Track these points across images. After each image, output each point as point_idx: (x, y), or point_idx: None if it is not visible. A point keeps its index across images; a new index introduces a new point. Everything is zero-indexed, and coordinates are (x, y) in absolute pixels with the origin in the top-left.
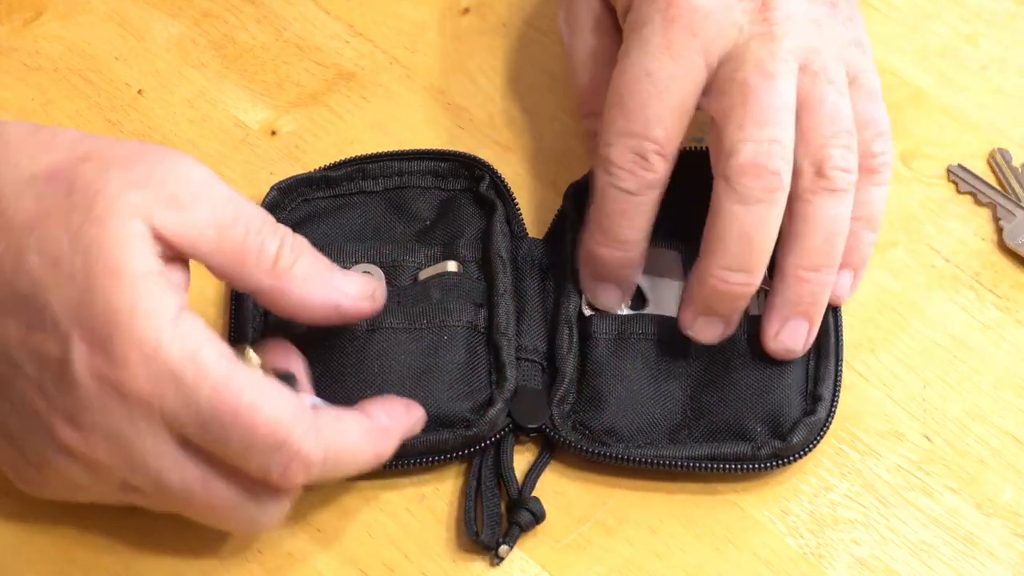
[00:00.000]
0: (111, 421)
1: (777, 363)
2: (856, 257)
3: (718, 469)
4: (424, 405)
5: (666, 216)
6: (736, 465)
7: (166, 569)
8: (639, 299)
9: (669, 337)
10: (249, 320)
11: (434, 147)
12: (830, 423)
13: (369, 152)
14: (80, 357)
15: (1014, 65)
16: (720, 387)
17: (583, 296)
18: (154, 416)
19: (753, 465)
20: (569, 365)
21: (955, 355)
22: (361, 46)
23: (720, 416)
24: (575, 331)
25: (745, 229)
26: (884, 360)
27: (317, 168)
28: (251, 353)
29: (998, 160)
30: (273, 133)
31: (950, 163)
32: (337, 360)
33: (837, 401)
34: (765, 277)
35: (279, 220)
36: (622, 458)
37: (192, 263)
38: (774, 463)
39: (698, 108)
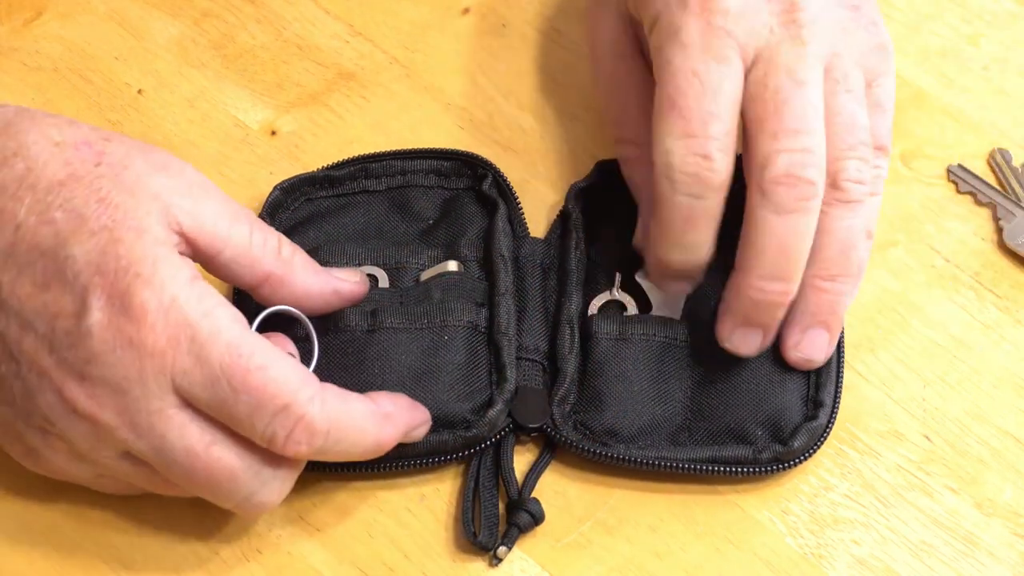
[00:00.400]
0: (121, 374)
1: (779, 367)
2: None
3: (718, 472)
4: (424, 405)
5: None
6: (737, 469)
7: (166, 569)
8: (643, 305)
9: (671, 338)
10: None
11: (434, 147)
12: (831, 428)
13: (369, 152)
14: (97, 308)
15: (1015, 65)
16: (721, 390)
17: (642, 267)
18: (165, 372)
19: (754, 469)
20: (570, 365)
21: (955, 355)
22: (361, 46)
23: (721, 419)
24: (576, 331)
25: (781, 239)
26: (884, 360)
27: (319, 168)
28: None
29: (998, 160)
30: (273, 133)
31: (950, 163)
32: (338, 360)
33: (838, 407)
34: None
35: (282, 219)
36: (623, 459)
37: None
38: (775, 467)
39: None
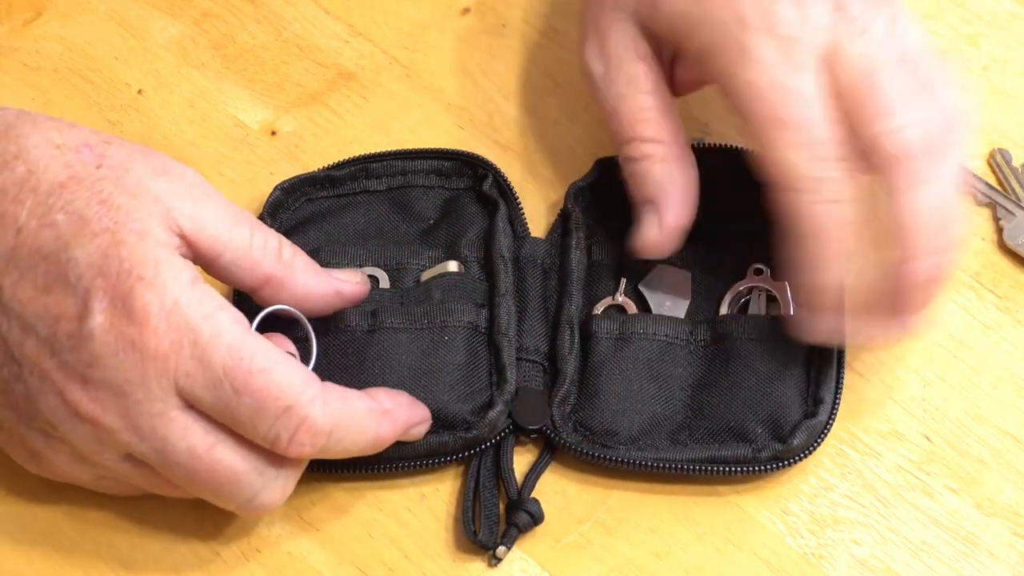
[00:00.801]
0: (123, 377)
1: (778, 365)
2: None
3: (719, 472)
4: (425, 405)
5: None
6: (736, 468)
7: (166, 569)
8: (643, 310)
9: (672, 337)
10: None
11: (434, 147)
12: (831, 426)
13: (369, 152)
14: (100, 311)
15: (1015, 66)
16: (720, 388)
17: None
18: (167, 375)
19: (753, 468)
20: (570, 366)
21: (955, 355)
22: (361, 46)
23: (720, 417)
24: (576, 331)
25: (937, 214)
26: (884, 360)
27: (319, 168)
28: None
29: (998, 160)
30: (273, 133)
31: None
32: (338, 361)
33: (838, 404)
34: (768, 278)
35: (282, 219)
36: (623, 461)
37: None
38: (774, 465)
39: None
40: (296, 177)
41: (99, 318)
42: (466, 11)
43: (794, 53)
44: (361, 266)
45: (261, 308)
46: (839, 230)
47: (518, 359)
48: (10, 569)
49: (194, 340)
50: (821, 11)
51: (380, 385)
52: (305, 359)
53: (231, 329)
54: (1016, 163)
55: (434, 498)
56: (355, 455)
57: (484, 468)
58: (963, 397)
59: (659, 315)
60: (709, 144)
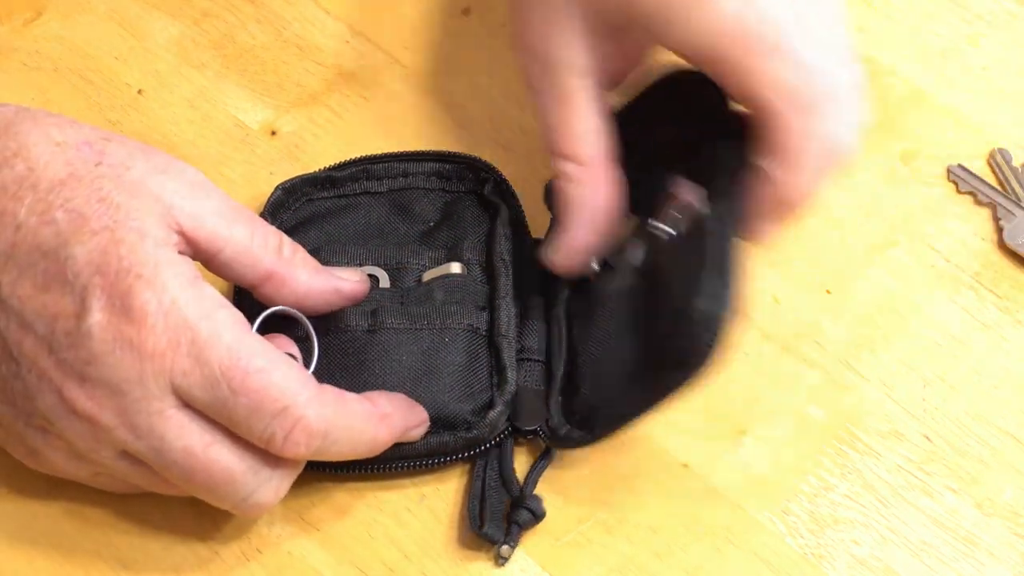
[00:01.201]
0: (121, 375)
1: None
2: None
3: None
4: (425, 406)
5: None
6: (677, 383)
7: (166, 569)
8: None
9: (619, 288)
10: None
11: (434, 147)
12: (726, 318)
13: (369, 152)
14: (98, 309)
15: (1015, 66)
16: (664, 313)
17: None
18: (164, 374)
19: (688, 373)
20: (561, 362)
21: (955, 355)
22: (361, 46)
23: (660, 345)
24: (564, 330)
25: (822, 139)
26: (884, 360)
27: (320, 168)
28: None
29: (998, 160)
30: (273, 133)
31: (950, 163)
32: (338, 361)
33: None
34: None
35: (283, 219)
36: (606, 431)
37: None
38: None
39: None
40: (297, 177)
41: (97, 316)
42: (466, 11)
43: None
44: (361, 265)
45: (262, 307)
46: None
47: (520, 359)
48: (10, 569)
49: (192, 339)
50: None
51: (380, 384)
52: (307, 360)
53: (230, 329)
54: (1016, 163)
55: (434, 498)
56: (351, 458)
57: (490, 469)
58: (963, 397)
59: (607, 275)
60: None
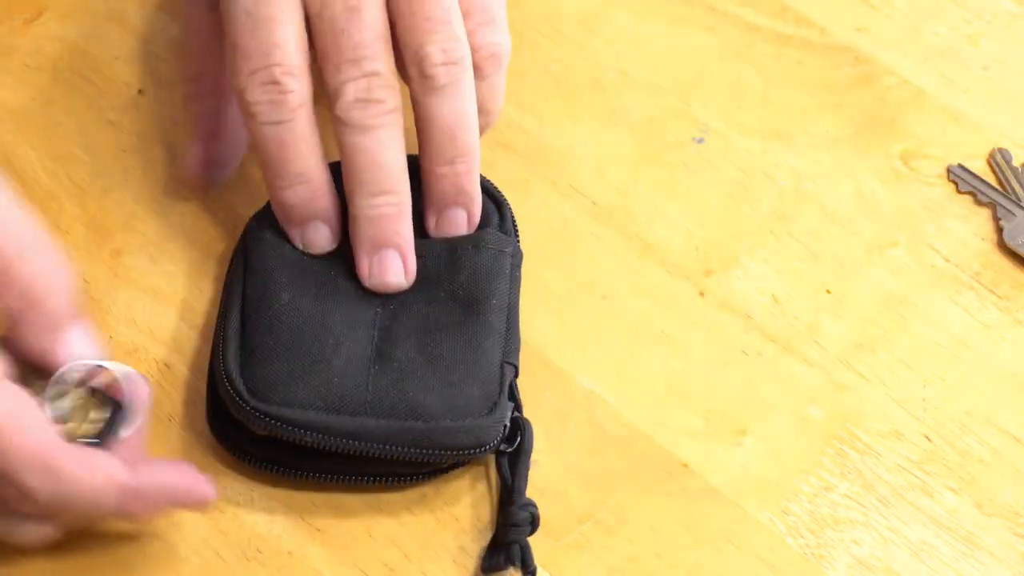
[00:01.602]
0: None
1: None
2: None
3: None
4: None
5: None
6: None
7: (166, 569)
8: None
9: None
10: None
11: None
12: None
13: None
14: None
15: (1015, 65)
16: None
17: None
18: None
19: None
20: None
21: (955, 355)
22: None
23: None
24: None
25: (372, 155)
26: (884, 360)
27: None
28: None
29: (998, 160)
30: None
31: (950, 163)
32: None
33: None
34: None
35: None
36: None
37: None
38: None
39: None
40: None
41: None
42: None
43: None
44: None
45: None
46: (286, 148)
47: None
48: (10, 569)
49: None
50: None
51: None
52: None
53: None
54: (1016, 163)
55: (434, 498)
56: (97, 512)
57: (503, 473)
58: (963, 397)
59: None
60: None
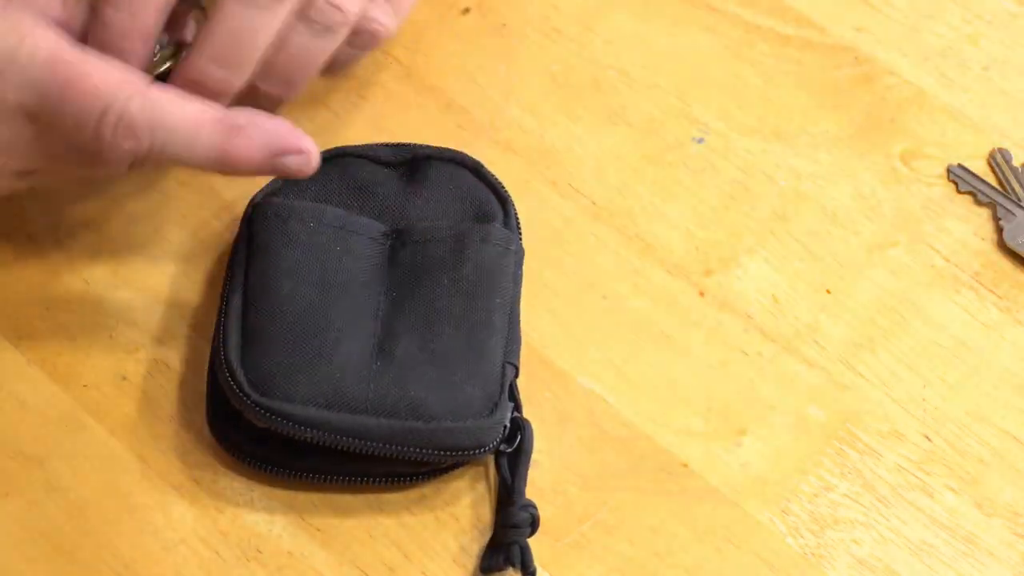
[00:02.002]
0: None
1: None
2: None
3: None
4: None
5: None
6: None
7: (166, 569)
8: None
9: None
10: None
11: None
12: None
13: None
14: None
15: (1015, 65)
16: None
17: None
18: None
19: None
20: None
21: (955, 355)
22: None
23: None
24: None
25: (239, 27)
26: (884, 360)
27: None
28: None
29: (998, 160)
30: None
31: (950, 163)
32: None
33: None
34: None
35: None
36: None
37: None
38: None
39: None
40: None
41: None
42: (466, 11)
43: None
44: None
45: None
46: (249, 35)
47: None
48: (10, 569)
49: (11, 61)
50: None
51: None
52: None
53: (47, 44)
54: (1016, 163)
55: (434, 498)
56: (199, 166)
57: (503, 473)
58: (963, 397)
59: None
60: None
